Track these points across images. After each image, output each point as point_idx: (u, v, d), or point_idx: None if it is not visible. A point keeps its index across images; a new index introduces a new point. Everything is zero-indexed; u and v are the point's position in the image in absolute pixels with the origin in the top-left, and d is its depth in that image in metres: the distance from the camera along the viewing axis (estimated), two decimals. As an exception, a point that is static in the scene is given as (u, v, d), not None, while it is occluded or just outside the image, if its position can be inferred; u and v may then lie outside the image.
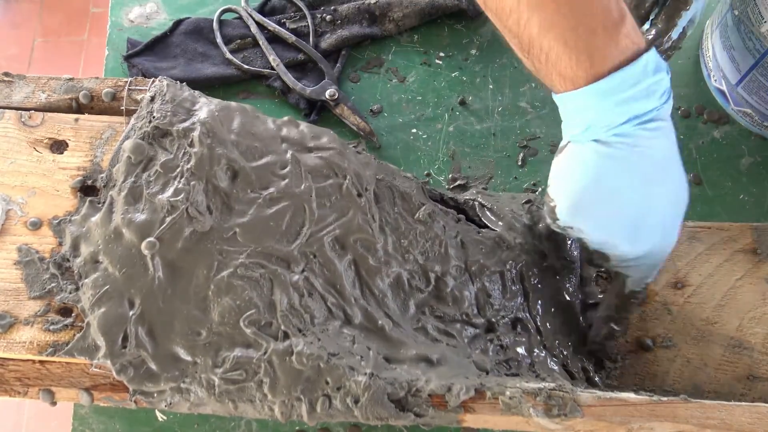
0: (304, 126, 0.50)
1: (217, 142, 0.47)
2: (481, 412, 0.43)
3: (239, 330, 0.43)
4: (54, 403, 0.46)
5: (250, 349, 0.43)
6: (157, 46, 0.65)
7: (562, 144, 0.44)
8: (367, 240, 0.47)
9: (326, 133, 0.50)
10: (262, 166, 0.47)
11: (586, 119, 0.41)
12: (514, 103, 0.63)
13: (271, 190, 0.47)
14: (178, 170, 0.46)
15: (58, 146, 0.51)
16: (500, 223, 0.52)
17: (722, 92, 0.61)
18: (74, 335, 0.44)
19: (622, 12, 0.40)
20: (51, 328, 0.45)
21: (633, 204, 0.41)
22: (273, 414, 0.43)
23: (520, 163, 0.60)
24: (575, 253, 0.52)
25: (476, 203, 0.54)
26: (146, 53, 0.64)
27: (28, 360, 0.46)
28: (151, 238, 0.44)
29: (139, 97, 0.52)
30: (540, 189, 0.59)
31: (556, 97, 0.43)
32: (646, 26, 0.53)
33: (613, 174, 0.41)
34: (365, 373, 0.42)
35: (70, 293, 0.46)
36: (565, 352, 0.49)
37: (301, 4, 0.66)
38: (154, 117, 0.48)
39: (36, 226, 0.48)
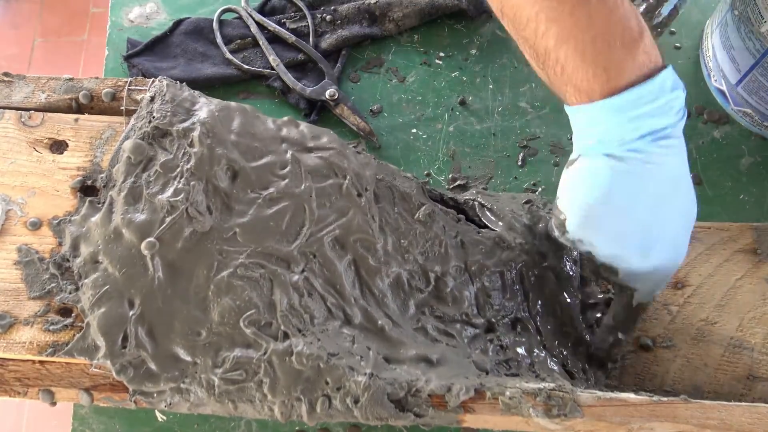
0: (304, 126, 0.50)
1: (217, 142, 0.47)
2: (481, 412, 0.43)
3: (239, 330, 0.43)
4: (54, 404, 0.46)
5: (250, 349, 0.43)
6: (157, 46, 0.65)
7: (572, 157, 0.44)
8: (367, 240, 0.47)
9: (326, 133, 0.50)
10: (262, 166, 0.47)
11: (598, 133, 0.41)
12: (514, 103, 0.63)
13: (271, 190, 0.47)
14: (178, 170, 0.46)
15: (58, 146, 0.51)
16: (500, 223, 0.52)
17: (722, 92, 0.61)
18: (74, 335, 0.44)
19: (641, 27, 0.39)
20: (51, 328, 0.45)
21: (645, 219, 0.41)
22: (273, 414, 0.43)
23: (520, 163, 0.60)
24: (575, 253, 0.52)
25: (476, 203, 0.54)
26: (146, 53, 0.64)
27: (27, 360, 0.45)
28: (151, 238, 0.44)
29: (139, 97, 0.52)
30: (540, 189, 0.59)
31: (568, 109, 0.43)
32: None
33: (625, 189, 0.41)
34: (365, 373, 0.42)
35: (70, 293, 0.46)
36: (565, 352, 0.49)
37: (301, 4, 0.66)
38: (154, 117, 0.48)
39: (36, 226, 0.48)
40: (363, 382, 0.42)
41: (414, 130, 0.62)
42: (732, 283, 0.50)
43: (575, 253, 0.50)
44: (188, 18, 0.66)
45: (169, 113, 0.48)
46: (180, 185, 0.46)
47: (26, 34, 1.59)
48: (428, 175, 0.60)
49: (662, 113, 0.40)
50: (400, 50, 0.66)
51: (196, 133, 0.47)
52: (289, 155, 0.48)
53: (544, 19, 0.39)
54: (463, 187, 0.58)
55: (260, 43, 0.64)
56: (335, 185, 0.48)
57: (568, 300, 0.51)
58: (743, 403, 0.42)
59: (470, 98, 0.63)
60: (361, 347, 0.44)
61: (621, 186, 0.41)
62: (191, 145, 0.47)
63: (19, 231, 0.48)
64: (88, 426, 0.52)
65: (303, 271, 0.45)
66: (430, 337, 0.47)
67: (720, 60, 0.60)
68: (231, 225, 0.45)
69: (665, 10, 0.52)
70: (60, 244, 0.47)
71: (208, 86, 0.63)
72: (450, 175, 0.60)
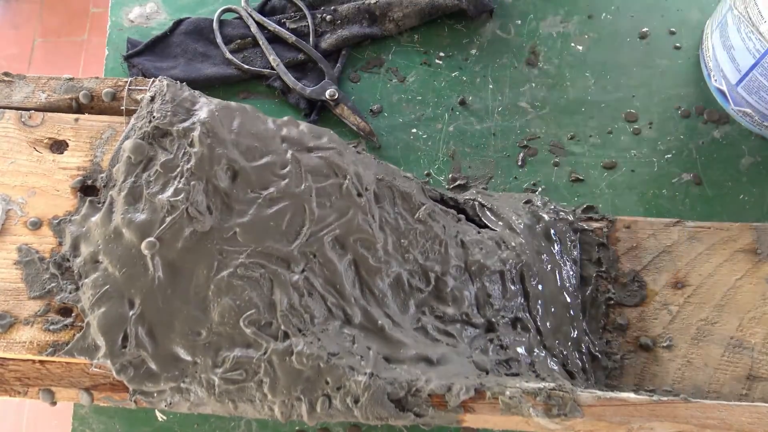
0: (304, 126, 0.50)
1: (217, 142, 0.47)
2: (481, 412, 0.43)
3: (239, 330, 0.43)
4: (54, 403, 0.46)
5: (250, 349, 0.43)
6: (157, 46, 0.65)
7: None
8: (367, 240, 0.47)
9: (326, 133, 0.50)
10: (262, 166, 0.47)
11: None
12: (514, 103, 0.63)
13: (271, 190, 0.47)
14: (178, 170, 0.46)
15: (58, 146, 0.51)
16: (500, 223, 0.52)
17: (722, 92, 0.61)
18: (74, 335, 0.44)
19: None
20: (51, 328, 0.45)
21: None
22: (273, 414, 0.43)
23: (520, 163, 0.60)
24: (575, 252, 0.52)
25: (476, 203, 0.54)
26: (146, 53, 0.64)
27: (28, 360, 0.46)
28: (151, 238, 0.44)
29: (139, 97, 0.52)
30: (540, 189, 0.59)
31: None
32: None
33: None
34: (365, 373, 0.42)
35: (70, 293, 0.46)
36: (565, 352, 0.49)
37: (301, 4, 0.66)
38: (154, 117, 0.48)
39: (36, 226, 0.48)
40: (363, 381, 0.42)
41: (414, 130, 0.62)
42: (732, 283, 0.50)
43: (575, 252, 0.50)
44: (188, 18, 0.66)
45: (169, 113, 0.48)
46: (180, 185, 0.46)
47: (26, 34, 1.59)
48: (428, 175, 0.60)
49: None
50: (400, 50, 0.66)
51: (196, 133, 0.47)
52: (289, 155, 0.48)
53: None
54: (463, 187, 0.59)
55: (260, 43, 0.64)
56: (335, 185, 0.48)
57: (568, 300, 0.51)
58: (743, 403, 0.42)
59: (470, 98, 0.63)
60: (361, 347, 0.44)
61: None
62: (191, 144, 0.47)
63: (19, 231, 0.48)
64: (88, 426, 0.52)
65: (303, 270, 0.45)
66: (430, 337, 0.47)
67: (720, 60, 0.60)
68: (231, 225, 0.45)
69: None
70: (60, 244, 0.47)
71: (208, 86, 0.63)
72: (450, 175, 0.60)
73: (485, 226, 0.53)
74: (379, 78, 0.65)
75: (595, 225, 0.53)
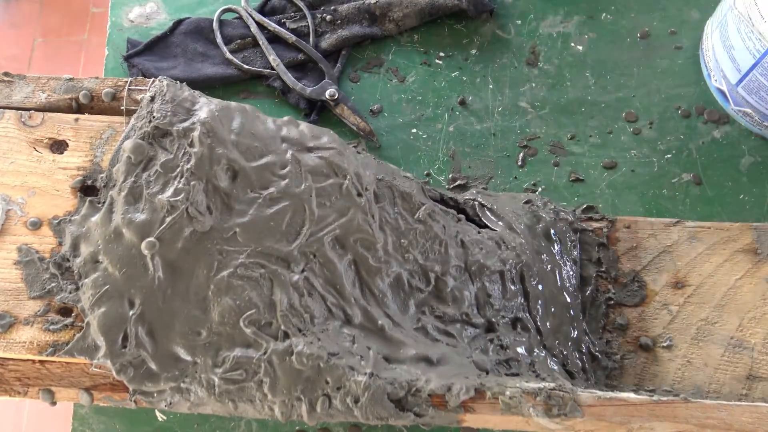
0: (304, 126, 0.50)
1: (217, 142, 0.47)
2: (481, 412, 0.43)
3: (239, 330, 0.43)
4: (54, 403, 0.46)
5: (250, 349, 0.43)
6: (157, 46, 0.65)
7: None
8: (367, 240, 0.47)
9: (326, 133, 0.50)
10: (262, 166, 0.47)
11: None
12: (514, 103, 0.63)
13: (271, 190, 0.47)
14: (178, 170, 0.46)
15: (58, 146, 0.51)
16: (500, 223, 0.52)
17: (722, 92, 0.61)
18: (74, 335, 0.44)
19: None
20: (51, 328, 0.45)
21: None
22: (273, 414, 0.43)
23: (520, 163, 0.60)
24: (575, 252, 0.52)
25: (476, 203, 0.54)
26: (146, 53, 0.64)
27: (27, 360, 0.46)
28: (151, 238, 0.44)
29: (139, 97, 0.52)
30: (540, 189, 0.59)
31: None
32: None
33: None
34: (365, 373, 0.42)
35: (70, 293, 0.46)
36: (565, 352, 0.49)
37: (301, 4, 0.66)
38: (154, 117, 0.48)
39: (36, 226, 0.48)
40: (363, 381, 0.42)
41: (414, 130, 0.62)
42: (732, 283, 0.50)
43: (575, 252, 0.50)
44: (188, 18, 0.66)
45: (169, 113, 0.48)
46: (180, 185, 0.46)
47: (26, 34, 1.59)
48: (428, 175, 0.60)
49: None
50: (400, 50, 0.66)
51: (196, 133, 0.47)
52: (289, 155, 0.48)
53: None
54: (463, 187, 0.59)
55: (260, 43, 0.64)
56: (335, 185, 0.48)
57: (568, 300, 0.51)
58: (743, 403, 0.42)
59: (470, 98, 0.63)
60: (361, 347, 0.44)
61: None
62: (191, 144, 0.47)
63: (19, 231, 0.48)
64: (88, 426, 0.52)
65: (303, 270, 0.45)
66: (431, 337, 0.47)
67: (720, 60, 0.60)
68: (231, 225, 0.45)
69: None
70: (60, 244, 0.47)
71: (208, 86, 0.63)
72: (450, 175, 0.60)
73: (485, 226, 0.53)
74: (379, 78, 0.65)
75: (595, 225, 0.53)
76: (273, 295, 0.44)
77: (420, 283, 0.48)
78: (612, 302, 0.51)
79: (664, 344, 0.49)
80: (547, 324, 0.50)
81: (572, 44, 0.65)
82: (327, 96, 0.61)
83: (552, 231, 0.52)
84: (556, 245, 0.52)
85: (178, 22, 0.66)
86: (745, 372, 0.48)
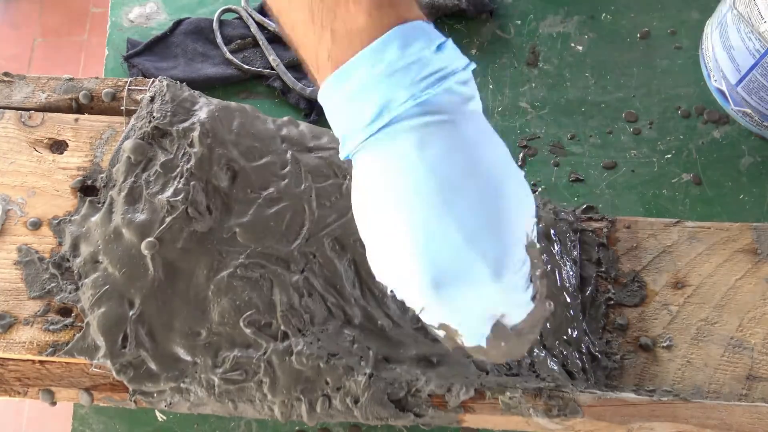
0: (304, 126, 0.50)
1: (217, 142, 0.47)
2: (481, 412, 0.43)
3: (239, 330, 0.43)
4: (54, 403, 0.46)
5: (249, 349, 0.43)
6: (157, 46, 0.65)
7: (354, 170, 0.35)
8: (367, 240, 0.47)
9: (326, 133, 0.50)
10: (262, 166, 0.47)
11: (375, 101, 0.32)
12: (514, 103, 0.63)
13: (271, 190, 0.47)
14: (177, 170, 0.46)
15: (58, 146, 0.51)
16: (500, 223, 0.52)
17: (722, 92, 0.61)
18: (74, 335, 0.44)
19: None
20: (51, 328, 0.45)
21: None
22: (273, 414, 0.43)
23: (520, 163, 0.60)
24: (575, 252, 0.52)
25: (476, 203, 0.54)
26: (146, 53, 0.64)
27: (27, 360, 0.46)
28: (150, 238, 0.44)
29: (139, 97, 0.52)
30: (540, 189, 0.58)
31: (322, 95, 0.34)
32: None
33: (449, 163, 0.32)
34: (365, 373, 0.42)
35: (70, 293, 0.46)
36: (564, 352, 0.49)
37: (301, 4, 0.66)
38: (154, 117, 0.48)
39: (36, 226, 0.48)
40: (363, 382, 0.42)
41: (414, 130, 0.62)
42: (732, 283, 0.50)
43: (575, 253, 0.50)
44: (188, 18, 0.66)
45: (169, 113, 0.48)
46: (180, 185, 0.46)
47: (26, 34, 1.59)
48: (428, 175, 0.60)
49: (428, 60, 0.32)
50: (400, 50, 0.66)
51: (196, 133, 0.47)
52: (289, 155, 0.48)
53: None
54: (463, 187, 0.58)
55: (260, 43, 0.64)
56: (335, 185, 0.48)
57: (568, 300, 0.51)
58: (743, 403, 0.42)
59: (470, 98, 0.63)
60: (361, 347, 0.44)
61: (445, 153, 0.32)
62: (191, 145, 0.47)
63: (19, 231, 0.48)
64: (88, 426, 0.52)
65: (303, 271, 0.45)
66: (430, 337, 0.47)
67: (720, 60, 0.60)
68: (231, 225, 0.45)
69: None
70: (60, 244, 0.47)
71: (208, 86, 0.63)
72: (450, 175, 0.59)
73: (485, 226, 0.53)
74: (379, 78, 0.64)
75: (595, 225, 0.53)
76: (273, 296, 0.44)
77: (420, 283, 0.48)
78: (612, 302, 0.51)
79: (664, 344, 0.49)
80: (547, 324, 0.50)
81: (572, 44, 0.65)
82: (327, 96, 0.61)
83: (552, 231, 0.52)
84: (555, 245, 0.52)
85: (178, 23, 0.66)
86: (745, 372, 0.48)
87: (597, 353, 0.50)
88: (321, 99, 0.34)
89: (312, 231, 0.46)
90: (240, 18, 0.67)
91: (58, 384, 0.45)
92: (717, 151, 0.60)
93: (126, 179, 0.47)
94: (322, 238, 0.46)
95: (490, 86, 0.64)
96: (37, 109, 0.52)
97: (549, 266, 0.51)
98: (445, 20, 0.67)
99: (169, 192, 0.45)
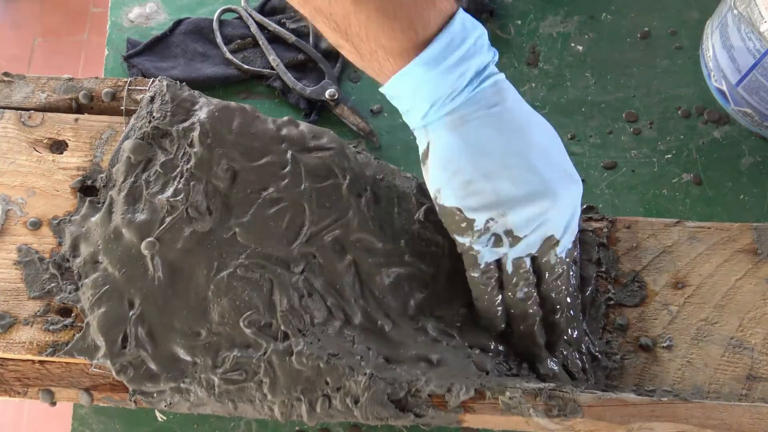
0: (304, 126, 0.50)
1: (217, 142, 0.47)
2: (481, 412, 0.43)
3: (239, 330, 0.43)
4: (54, 403, 0.46)
5: (249, 349, 0.43)
6: (157, 46, 0.65)
7: (421, 146, 0.44)
8: (366, 240, 0.47)
9: (326, 133, 0.50)
10: (262, 166, 0.47)
11: (427, 94, 0.40)
12: (514, 103, 0.63)
13: (271, 190, 0.47)
14: (177, 170, 0.46)
15: (58, 146, 0.51)
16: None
17: (722, 92, 0.61)
18: (74, 335, 0.44)
19: None
20: (51, 328, 0.45)
21: (517, 158, 0.41)
22: (273, 414, 0.43)
23: (520, 163, 0.60)
24: (575, 254, 0.52)
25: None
26: (146, 53, 0.64)
27: (27, 360, 0.46)
28: (150, 238, 0.44)
29: (139, 97, 0.52)
30: (540, 189, 0.58)
31: (387, 87, 0.41)
32: None
33: (486, 142, 0.41)
34: (365, 374, 0.42)
35: (70, 293, 0.46)
36: (565, 353, 0.49)
37: (301, 4, 0.66)
38: (153, 117, 0.48)
39: (36, 226, 0.48)
40: (363, 382, 0.42)
41: (414, 130, 0.62)
42: (732, 283, 0.50)
43: (575, 254, 0.50)
44: (188, 18, 0.66)
45: (169, 113, 0.48)
46: (180, 185, 0.46)
47: (26, 34, 1.59)
48: (428, 175, 0.60)
49: (477, 52, 0.40)
50: (400, 50, 0.66)
51: (195, 133, 0.47)
52: (289, 155, 0.48)
53: None
54: (463, 187, 0.58)
55: (260, 43, 0.64)
56: (335, 185, 0.48)
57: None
58: (743, 403, 0.42)
59: (470, 98, 0.63)
60: (361, 347, 0.44)
61: (479, 142, 0.41)
62: (191, 145, 0.47)
63: (19, 231, 0.48)
64: (88, 426, 0.52)
65: (303, 271, 0.45)
66: (430, 337, 0.47)
67: (720, 60, 0.60)
68: (231, 225, 0.45)
69: None
70: (60, 244, 0.47)
71: (208, 86, 0.63)
72: (450, 175, 0.59)
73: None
74: (379, 78, 0.65)
75: (595, 225, 0.53)
76: (273, 296, 0.44)
77: (420, 283, 0.48)
78: (612, 302, 0.51)
79: (664, 344, 0.49)
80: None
81: (572, 44, 0.65)
82: (327, 96, 0.61)
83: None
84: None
85: (178, 22, 0.66)
86: (745, 372, 0.48)
87: (597, 353, 0.50)
88: (404, 73, 0.39)
89: (312, 231, 0.46)
90: (240, 18, 0.67)
91: (58, 384, 0.45)
92: (717, 151, 0.60)
93: (126, 179, 0.47)
94: (321, 238, 0.46)
95: (490, 86, 0.64)
96: (36, 109, 0.52)
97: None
98: (445, 20, 0.67)
99: (169, 192, 0.45)
